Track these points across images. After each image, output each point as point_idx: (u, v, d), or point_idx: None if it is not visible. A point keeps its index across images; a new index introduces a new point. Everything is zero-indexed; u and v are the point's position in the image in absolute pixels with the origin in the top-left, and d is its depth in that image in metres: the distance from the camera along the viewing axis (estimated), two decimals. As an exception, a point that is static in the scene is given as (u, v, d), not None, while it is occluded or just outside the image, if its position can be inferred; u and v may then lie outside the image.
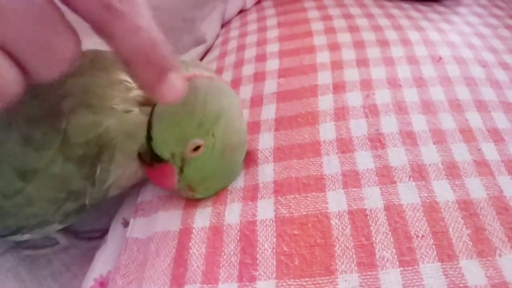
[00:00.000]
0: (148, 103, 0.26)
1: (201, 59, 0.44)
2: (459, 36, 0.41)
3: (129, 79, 0.26)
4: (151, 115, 0.26)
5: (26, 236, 0.29)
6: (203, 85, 0.26)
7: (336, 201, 0.26)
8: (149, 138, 0.26)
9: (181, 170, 0.26)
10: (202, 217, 0.27)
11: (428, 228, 0.24)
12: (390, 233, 0.24)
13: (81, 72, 0.25)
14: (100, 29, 0.18)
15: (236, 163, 0.29)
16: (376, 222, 0.25)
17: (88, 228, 0.36)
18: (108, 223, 0.34)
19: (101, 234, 0.36)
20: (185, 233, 0.27)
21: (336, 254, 0.24)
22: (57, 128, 0.24)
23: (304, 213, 0.26)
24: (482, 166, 0.28)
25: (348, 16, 0.42)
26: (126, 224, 0.31)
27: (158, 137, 0.25)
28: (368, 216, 0.25)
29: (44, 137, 0.24)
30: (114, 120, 0.24)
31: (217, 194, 0.28)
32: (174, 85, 0.21)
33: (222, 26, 0.48)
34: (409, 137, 0.29)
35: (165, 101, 0.21)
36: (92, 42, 0.21)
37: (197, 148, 0.26)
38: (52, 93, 0.24)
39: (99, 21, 0.17)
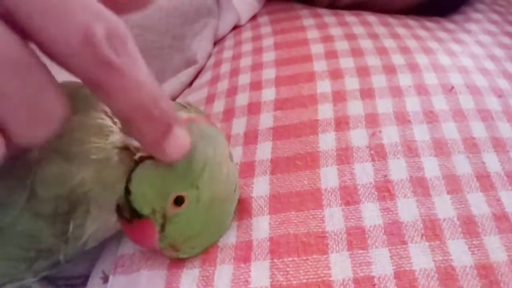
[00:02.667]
0: (128, 150, 0.23)
1: (191, 82, 0.41)
2: (471, 60, 0.37)
3: (107, 122, 0.23)
4: (132, 170, 0.22)
5: (-3, 291, 0.26)
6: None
7: (340, 266, 0.23)
8: (127, 191, 0.23)
9: (163, 228, 0.23)
10: (188, 281, 0.24)
11: (445, 302, 0.21)
12: (401, 308, 0.21)
13: None
14: (95, 87, 0.16)
15: (226, 215, 0.25)
16: (385, 293, 0.22)
17: (67, 274, 0.33)
18: (88, 268, 0.31)
19: (82, 281, 0.33)
20: (169, 301, 0.24)
21: (340, 335, 0.21)
22: (23, 182, 0.21)
23: (304, 281, 0.23)
24: (502, 220, 0.25)
25: (350, 37, 0.39)
26: (105, 279, 0.28)
27: (137, 191, 0.22)
28: (376, 286, 0.22)
29: (7, 193, 0.21)
30: (90, 170, 0.21)
31: (207, 251, 0.25)
32: (179, 141, 0.20)
33: (215, 44, 0.45)
34: (420, 185, 0.26)
35: (170, 159, 0.20)
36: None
37: (179, 201, 0.23)
38: None
39: (95, 79, 0.16)
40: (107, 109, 0.23)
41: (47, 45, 0.15)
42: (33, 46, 0.15)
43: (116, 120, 0.23)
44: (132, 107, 0.17)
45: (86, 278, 0.32)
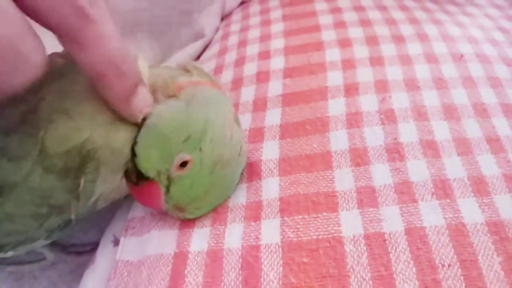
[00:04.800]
0: None
1: (199, 56, 0.41)
2: (480, 31, 0.37)
3: None
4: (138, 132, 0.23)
5: (9, 254, 0.26)
6: (186, 95, 0.24)
7: (350, 223, 0.23)
8: (133, 154, 0.23)
9: (168, 190, 0.23)
10: (200, 239, 0.24)
11: (455, 256, 0.21)
12: (412, 262, 0.21)
13: (60, 75, 0.22)
14: (69, 38, 0.17)
15: (230, 178, 0.26)
16: (396, 248, 0.22)
17: (77, 242, 0.34)
18: (98, 236, 0.31)
19: (91, 248, 0.33)
20: (180, 258, 0.24)
21: (351, 287, 0.21)
22: (34, 137, 0.21)
23: (314, 237, 0.23)
24: (513, 181, 0.25)
25: (359, 9, 0.39)
26: (116, 242, 0.28)
27: (143, 154, 0.23)
28: (387, 242, 0.22)
29: (20, 147, 0.21)
30: (98, 130, 0.22)
31: (217, 211, 0.25)
32: (143, 99, 0.21)
33: (222, 19, 0.45)
34: (430, 148, 0.26)
35: (135, 117, 0.21)
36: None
37: (184, 164, 0.23)
38: (28, 99, 0.21)
39: (70, 29, 0.16)
40: None
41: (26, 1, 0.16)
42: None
43: None
44: (103, 59, 0.18)
45: (95, 245, 0.32)
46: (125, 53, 0.18)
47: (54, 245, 0.32)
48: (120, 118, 0.22)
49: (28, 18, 0.16)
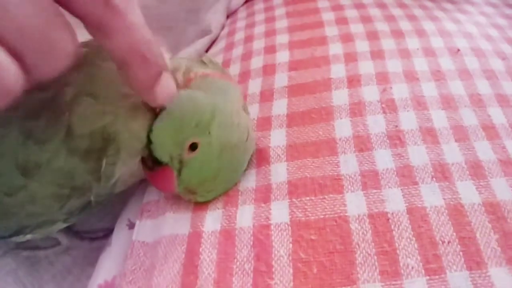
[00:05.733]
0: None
1: (206, 51, 0.42)
2: (475, 27, 0.39)
3: None
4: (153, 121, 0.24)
5: (28, 237, 0.27)
6: (195, 86, 0.25)
7: (355, 203, 0.25)
8: (149, 141, 0.24)
9: (180, 173, 0.25)
10: (213, 220, 0.26)
11: (454, 234, 0.23)
12: (414, 238, 0.23)
13: (85, 62, 0.23)
14: (96, 27, 0.17)
15: (238, 162, 0.27)
16: (398, 226, 0.23)
17: (90, 228, 0.35)
18: (111, 223, 0.32)
19: (105, 234, 0.34)
20: (194, 238, 0.25)
21: (357, 261, 0.22)
22: (60, 119, 0.22)
23: (322, 216, 0.24)
24: (507, 165, 0.26)
25: (359, 6, 0.40)
26: (131, 225, 0.30)
27: (157, 140, 0.24)
28: (390, 220, 0.24)
29: (46, 129, 0.22)
30: (119, 113, 0.23)
31: (228, 195, 0.27)
32: (168, 86, 0.21)
33: (228, 16, 0.46)
34: (429, 135, 0.28)
35: (159, 103, 0.21)
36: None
37: (194, 147, 0.24)
38: (54, 83, 0.23)
39: (97, 18, 0.17)
40: None
41: None
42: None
43: None
44: (128, 48, 0.18)
45: (108, 231, 0.33)
46: (150, 42, 0.19)
47: (68, 231, 0.33)
48: (142, 104, 0.23)
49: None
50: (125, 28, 0.18)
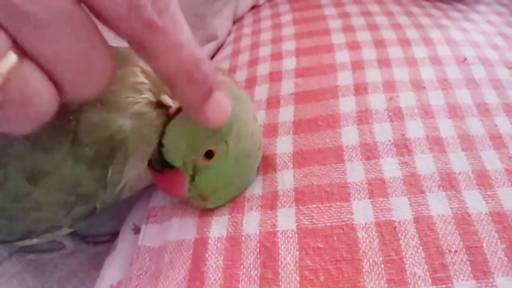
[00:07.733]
0: (162, 107, 0.24)
1: (212, 57, 0.42)
2: (482, 36, 0.39)
3: (141, 79, 0.24)
4: (165, 124, 0.24)
5: (33, 241, 0.28)
6: None
7: (362, 211, 0.25)
8: (159, 144, 0.24)
9: (193, 179, 0.25)
10: (219, 226, 0.26)
11: (461, 243, 0.23)
12: (421, 247, 0.23)
13: None
14: (140, 48, 0.17)
15: (250, 170, 0.27)
16: (405, 235, 0.23)
17: (95, 232, 0.35)
18: (116, 227, 0.32)
19: (109, 238, 0.34)
20: (200, 243, 0.25)
21: (364, 269, 0.22)
22: (67, 127, 0.22)
23: (328, 224, 0.24)
24: (514, 175, 0.26)
25: (366, 14, 0.40)
26: (136, 230, 0.30)
27: (170, 144, 0.24)
28: (397, 229, 0.24)
29: (52, 137, 0.22)
30: (128, 120, 0.23)
31: (234, 201, 0.27)
32: (220, 105, 0.20)
33: (234, 22, 0.47)
34: (436, 143, 0.28)
35: (211, 123, 0.20)
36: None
37: (209, 155, 0.24)
38: None
39: (140, 40, 0.16)
40: (143, 67, 0.24)
41: (97, 9, 0.16)
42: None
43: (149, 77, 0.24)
44: (174, 68, 0.17)
45: (112, 235, 0.33)
46: (198, 60, 0.18)
47: (74, 235, 0.33)
48: (151, 107, 0.23)
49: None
50: (170, 48, 0.17)
